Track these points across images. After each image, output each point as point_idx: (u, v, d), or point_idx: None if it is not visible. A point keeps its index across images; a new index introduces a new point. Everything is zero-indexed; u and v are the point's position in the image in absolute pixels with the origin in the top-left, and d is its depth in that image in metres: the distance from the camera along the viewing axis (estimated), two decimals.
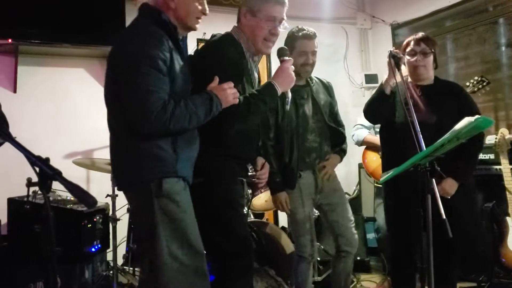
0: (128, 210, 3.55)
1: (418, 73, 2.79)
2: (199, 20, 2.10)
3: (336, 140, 3.06)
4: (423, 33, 2.85)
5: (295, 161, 2.86)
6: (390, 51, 2.63)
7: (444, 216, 1.97)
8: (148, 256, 1.97)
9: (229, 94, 2.03)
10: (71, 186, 1.29)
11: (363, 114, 2.95)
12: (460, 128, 1.79)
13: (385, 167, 2.87)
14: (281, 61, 2.27)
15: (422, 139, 2.16)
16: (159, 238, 1.90)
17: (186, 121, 1.90)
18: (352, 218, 3.01)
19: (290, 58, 2.29)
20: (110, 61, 2.03)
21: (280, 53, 2.31)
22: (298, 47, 2.88)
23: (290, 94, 2.39)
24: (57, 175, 1.31)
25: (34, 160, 1.34)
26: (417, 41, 2.78)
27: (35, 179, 1.36)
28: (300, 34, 2.89)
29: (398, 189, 2.69)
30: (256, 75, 2.41)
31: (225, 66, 2.13)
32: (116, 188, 1.98)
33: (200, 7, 2.06)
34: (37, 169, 1.34)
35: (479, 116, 1.77)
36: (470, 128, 1.79)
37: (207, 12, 2.10)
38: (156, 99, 1.82)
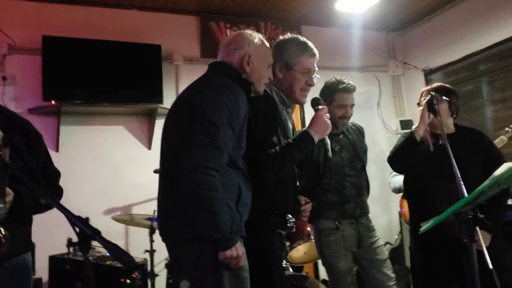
0: (166, 265, 3.56)
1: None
2: None
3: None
4: (438, 83, 2.81)
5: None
6: (432, 94, 2.60)
7: (491, 266, 1.87)
8: None
9: None
10: (109, 246, 1.31)
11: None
12: (501, 174, 1.73)
13: (415, 218, 2.79)
14: (316, 110, 2.30)
15: (464, 187, 2.10)
16: None
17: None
18: (393, 275, 2.90)
19: (324, 106, 2.31)
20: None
21: (314, 102, 2.34)
22: (338, 100, 2.90)
23: (328, 141, 2.39)
24: (96, 235, 1.32)
25: (74, 220, 1.36)
26: (428, 91, 2.74)
27: (75, 238, 1.39)
28: (340, 87, 2.90)
29: (429, 239, 2.56)
30: (290, 125, 2.43)
31: (256, 120, 2.16)
32: (172, 239, 1.90)
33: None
34: (77, 229, 1.36)
35: None
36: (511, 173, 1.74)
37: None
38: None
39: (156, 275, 3.50)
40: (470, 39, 4.85)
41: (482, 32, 4.71)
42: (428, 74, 5.43)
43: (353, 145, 2.98)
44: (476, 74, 4.91)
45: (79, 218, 1.37)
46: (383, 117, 5.57)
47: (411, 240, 2.91)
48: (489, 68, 4.77)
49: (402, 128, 5.37)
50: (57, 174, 2.31)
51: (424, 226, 2.00)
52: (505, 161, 2.49)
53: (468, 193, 1.95)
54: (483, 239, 2.39)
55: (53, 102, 3.97)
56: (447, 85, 2.86)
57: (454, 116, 2.81)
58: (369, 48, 5.62)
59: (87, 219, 1.38)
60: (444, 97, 2.72)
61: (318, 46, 2.41)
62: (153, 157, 4.37)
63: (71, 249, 3.24)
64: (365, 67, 5.54)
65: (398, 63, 5.79)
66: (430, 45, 5.39)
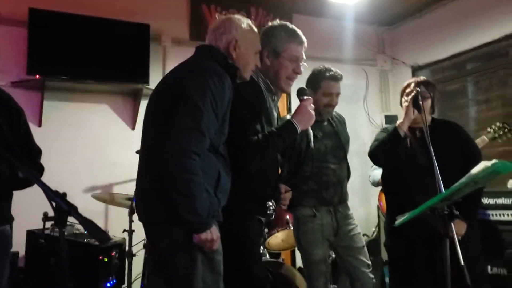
0: (144, 246, 3.56)
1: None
2: None
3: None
4: (424, 77, 2.85)
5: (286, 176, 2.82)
6: (418, 90, 2.62)
7: (462, 262, 1.91)
8: None
9: None
10: (85, 222, 1.31)
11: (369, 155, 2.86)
12: (477, 172, 1.76)
13: (393, 211, 2.82)
14: (301, 100, 2.30)
15: (441, 182, 2.13)
16: (198, 276, 1.88)
17: None
18: (369, 262, 2.94)
19: (309, 97, 2.31)
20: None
21: (300, 92, 2.34)
22: (324, 87, 2.89)
23: (311, 132, 2.40)
24: (72, 210, 1.33)
25: (51, 194, 1.36)
26: (417, 84, 2.76)
27: (51, 213, 1.39)
28: (328, 74, 2.89)
29: (404, 233, 2.61)
30: (275, 113, 2.44)
31: (241, 107, 2.16)
32: (148, 220, 1.91)
33: None
34: (54, 203, 1.36)
35: (497, 161, 1.74)
36: (488, 172, 1.76)
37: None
38: None
39: (134, 255, 3.50)
40: (459, 38, 4.88)
41: (472, 32, 4.75)
42: (416, 71, 5.46)
43: (337, 134, 3.00)
44: (463, 74, 4.96)
45: (56, 193, 1.37)
46: (369, 111, 5.60)
47: (387, 236, 2.95)
48: (476, 68, 4.82)
49: (387, 123, 5.40)
50: (38, 151, 2.29)
51: (399, 220, 2.02)
52: (481, 156, 2.54)
53: (445, 188, 1.98)
54: (459, 227, 2.46)
55: (37, 76, 3.91)
56: (430, 80, 2.90)
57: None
58: (358, 41, 5.62)
59: (64, 194, 1.38)
60: (431, 94, 2.75)
61: (308, 36, 2.41)
62: (136, 137, 4.24)
63: (49, 226, 3.21)
64: (353, 60, 5.54)
65: (386, 58, 5.82)
66: (419, 42, 5.42)
